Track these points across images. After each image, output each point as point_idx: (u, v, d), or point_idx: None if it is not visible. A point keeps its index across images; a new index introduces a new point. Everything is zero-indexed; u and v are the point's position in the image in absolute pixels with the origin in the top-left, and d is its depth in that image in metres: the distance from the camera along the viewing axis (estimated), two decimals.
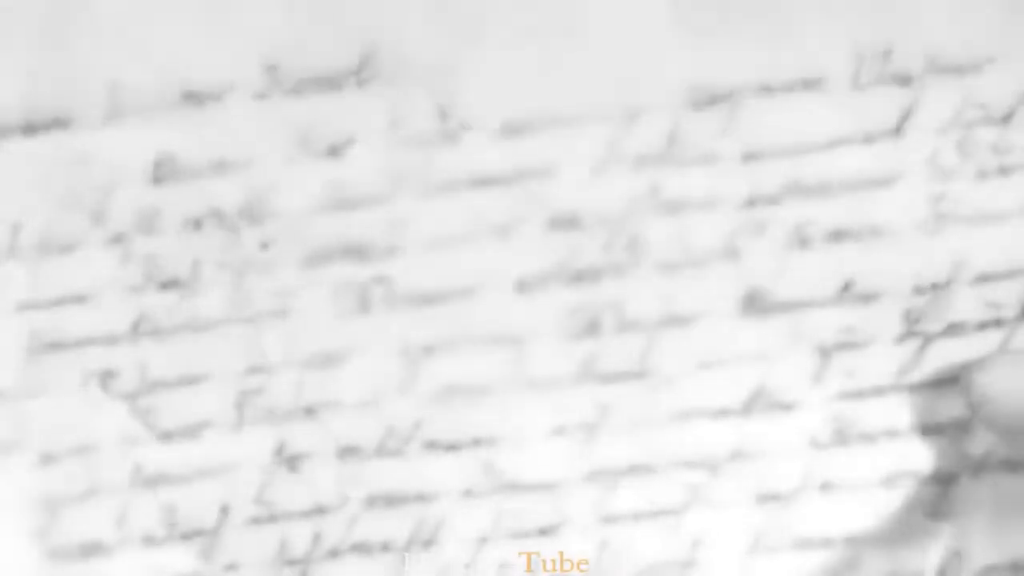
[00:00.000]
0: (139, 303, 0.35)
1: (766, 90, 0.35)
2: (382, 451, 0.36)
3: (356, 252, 0.35)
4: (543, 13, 0.35)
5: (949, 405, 0.35)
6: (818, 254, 0.36)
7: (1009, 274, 0.36)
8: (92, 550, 0.35)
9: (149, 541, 0.35)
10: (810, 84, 0.35)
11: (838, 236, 0.36)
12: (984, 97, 0.35)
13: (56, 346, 0.35)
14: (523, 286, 0.36)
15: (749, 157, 0.35)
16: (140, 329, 0.35)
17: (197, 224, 0.35)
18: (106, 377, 0.35)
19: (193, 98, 0.35)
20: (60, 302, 0.35)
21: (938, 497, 0.36)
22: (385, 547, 0.36)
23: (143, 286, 0.35)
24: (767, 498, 0.36)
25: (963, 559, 0.36)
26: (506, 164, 0.35)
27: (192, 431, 0.35)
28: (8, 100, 0.35)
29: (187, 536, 0.36)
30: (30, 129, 0.35)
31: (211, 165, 0.35)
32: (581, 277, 0.36)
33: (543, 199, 0.35)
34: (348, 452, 0.36)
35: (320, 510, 0.36)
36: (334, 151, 0.35)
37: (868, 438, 0.36)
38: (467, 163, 0.35)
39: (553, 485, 0.36)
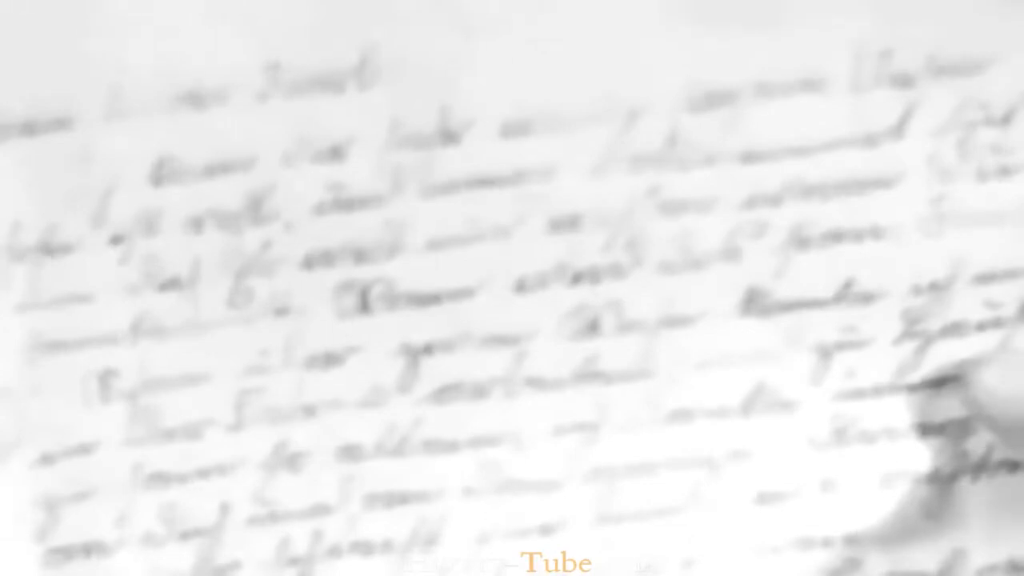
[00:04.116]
0: (139, 303, 0.35)
1: (766, 90, 0.35)
2: (382, 450, 0.36)
3: (356, 252, 0.35)
4: (543, 13, 0.35)
5: (949, 405, 0.35)
6: (818, 254, 0.36)
7: (1009, 274, 0.36)
8: (92, 550, 0.35)
9: (149, 541, 0.35)
10: (810, 84, 0.35)
11: (838, 236, 0.36)
12: (984, 97, 0.35)
13: (56, 346, 0.35)
14: (523, 286, 0.36)
15: (749, 157, 0.35)
16: (140, 329, 0.35)
17: (197, 224, 0.35)
18: (106, 377, 0.35)
19: (193, 98, 0.35)
20: (60, 302, 0.35)
21: (938, 497, 0.36)
22: (385, 546, 0.36)
23: (143, 286, 0.35)
24: (767, 498, 0.36)
25: (962, 559, 0.36)
26: (506, 164, 0.35)
27: (192, 431, 0.35)
28: (8, 100, 0.35)
29: (187, 536, 0.36)
30: (30, 129, 0.35)
31: (211, 165, 0.35)
32: (581, 277, 0.36)
33: (543, 199, 0.35)
34: (348, 452, 0.36)
35: (320, 509, 0.36)
36: (334, 151, 0.35)
37: (868, 438, 0.36)
38: (467, 163, 0.35)
39: (553, 485, 0.36)
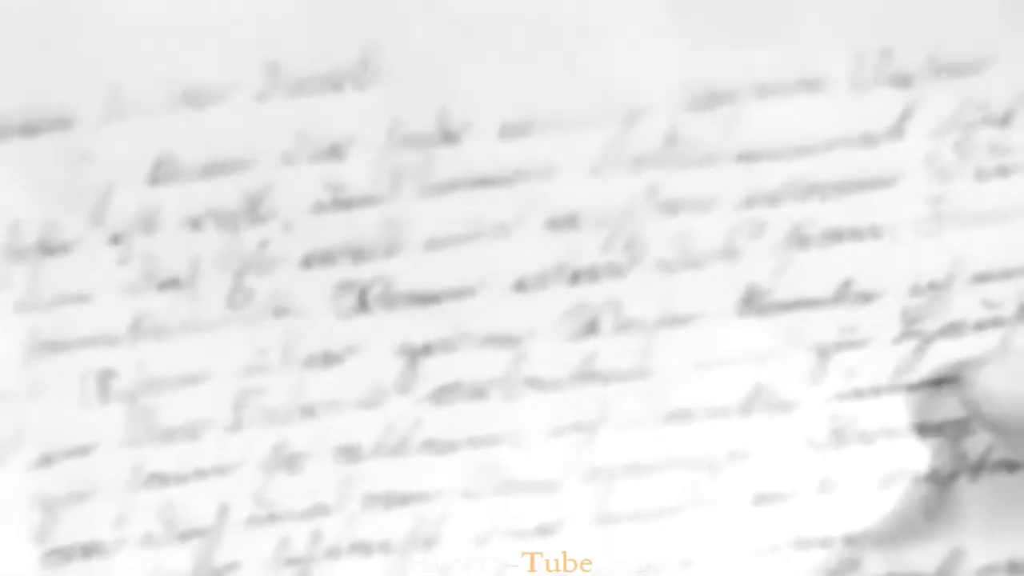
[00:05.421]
0: (139, 303, 0.35)
1: (766, 90, 0.35)
2: (381, 451, 0.36)
3: (355, 252, 0.35)
4: (543, 13, 0.35)
5: (948, 405, 0.36)
6: (817, 254, 0.36)
7: (1008, 274, 0.36)
8: (91, 550, 0.35)
9: (148, 541, 0.35)
10: (810, 84, 0.35)
11: (837, 236, 0.36)
12: (984, 97, 0.35)
13: (56, 346, 0.35)
14: (523, 286, 0.36)
15: (748, 157, 0.35)
16: (140, 329, 0.35)
17: (197, 224, 0.35)
18: (106, 377, 0.35)
19: (193, 98, 0.35)
20: (60, 302, 0.35)
21: (936, 497, 0.36)
22: (384, 547, 0.36)
23: (143, 286, 0.35)
24: (766, 498, 0.36)
25: (961, 559, 0.36)
26: (506, 164, 0.35)
27: (192, 431, 0.35)
28: (8, 100, 0.35)
29: (186, 536, 0.35)
30: (30, 129, 0.35)
31: (210, 165, 0.35)
32: (580, 277, 0.36)
33: (543, 199, 0.35)
34: (347, 452, 0.36)
35: (319, 510, 0.36)
36: (333, 151, 0.35)
37: (867, 438, 0.36)
38: (467, 163, 0.35)
39: (553, 485, 0.36)
